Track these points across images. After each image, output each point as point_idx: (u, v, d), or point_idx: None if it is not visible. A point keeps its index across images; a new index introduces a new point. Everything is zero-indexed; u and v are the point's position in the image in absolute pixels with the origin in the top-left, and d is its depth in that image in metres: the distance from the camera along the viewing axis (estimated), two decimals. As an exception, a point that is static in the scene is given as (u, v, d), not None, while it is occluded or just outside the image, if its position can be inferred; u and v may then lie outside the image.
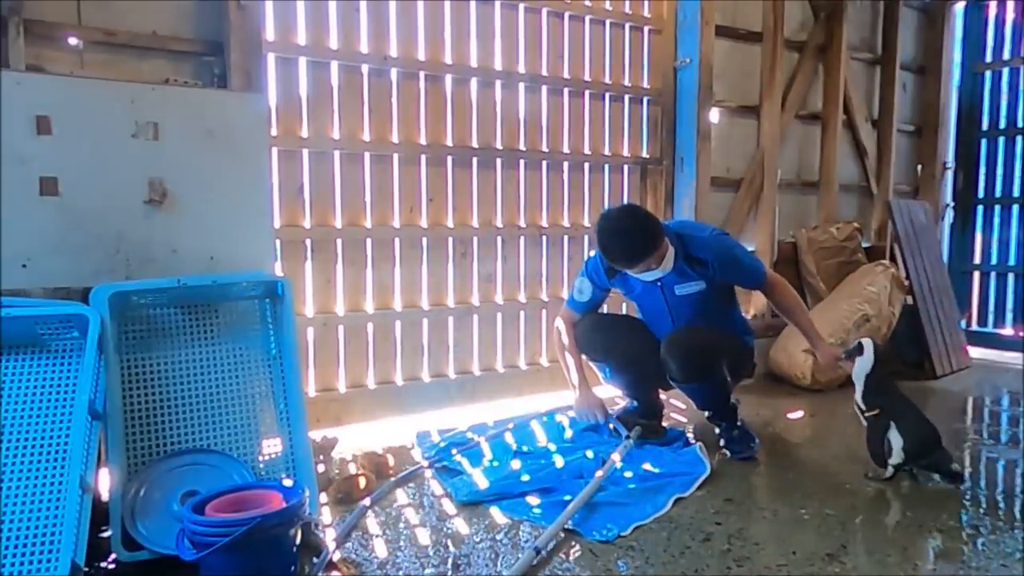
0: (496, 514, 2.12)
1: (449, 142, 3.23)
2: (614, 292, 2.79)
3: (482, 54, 3.28)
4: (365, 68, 3.00)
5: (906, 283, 4.03)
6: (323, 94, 2.91)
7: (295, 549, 1.71)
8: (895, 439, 2.31)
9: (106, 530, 1.79)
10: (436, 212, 3.23)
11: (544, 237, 3.57)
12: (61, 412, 1.77)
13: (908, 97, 4.89)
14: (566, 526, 1.97)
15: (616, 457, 2.43)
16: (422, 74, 3.14)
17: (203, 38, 2.55)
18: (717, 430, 2.70)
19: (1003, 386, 3.90)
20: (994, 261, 5.03)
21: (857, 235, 4.27)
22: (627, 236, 2.40)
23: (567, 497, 2.13)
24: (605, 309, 2.95)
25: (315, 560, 1.78)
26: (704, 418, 2.76)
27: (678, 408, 3.24)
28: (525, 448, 2.66)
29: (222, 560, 1.56)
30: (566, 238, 3.63)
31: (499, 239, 3.41)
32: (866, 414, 2.41)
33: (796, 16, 4.20)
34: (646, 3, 3.79)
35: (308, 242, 2.91)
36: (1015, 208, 4.93)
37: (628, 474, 2.38)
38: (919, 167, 5.00)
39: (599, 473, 2.29)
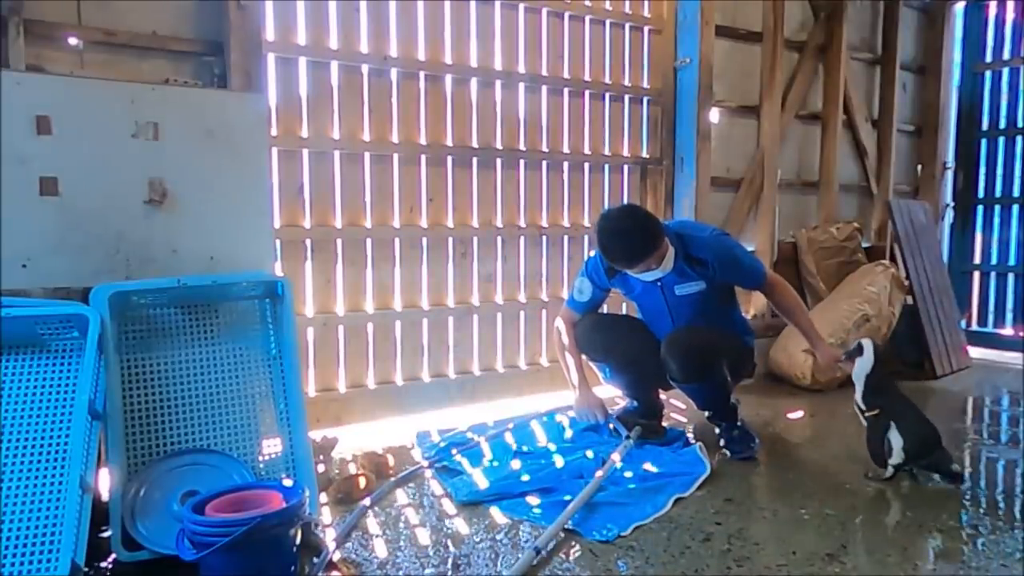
0: (496, 514, 2.12)
1: (449, 142, 3.23)
2: (614, 292, 2.79)
3: (482, 54, 3.28)
4: (365, 68, 3.00)
5: (906, 283, 4.03)
6: (323, 94, 2.91)
7: (295, 549, 1.71)
8: (895, 439, 2.31)
9: (106, 530, 1.79)
10: (436, 212, 3.23)
11: (544, 237, 3.57)
12: (61, 412, 1.77)
13: (908, 97, 4.90)
14: (566, 526, 1.97)
15: (616, 457, 2.44)
16: (422, 74, 3.14)
17: (203, 38, 2.55)
18: (717, 430, 2.70)
19: (1003, 386, 3.90)
20: (994, 261, 5.03)
21: (857, 235, 4.27)
22: (627, 236, 2.40)
23: (567, 497, 2.13)
24: (605, 309, 2.95)
25: (315, 560, 1.78)
26: (704, 418, 2.76)
27: (678, 408, 3.24)
28: (525, 448, 2.66)
29: (222, 560, 1.56)
30: (566, 238, 3.63)
31: (499, 239, 3.41)
32: (866, 414, 2.41)
33: (796, 16, 4.20)
34: (646, 3, 3.79)
35: (308, 242, 2.91)
36: (1015, 208, 4.93)
37: (628, 474, 2.38)
38: (919, 167, 5.00)
39: (599, 473, 2.29)
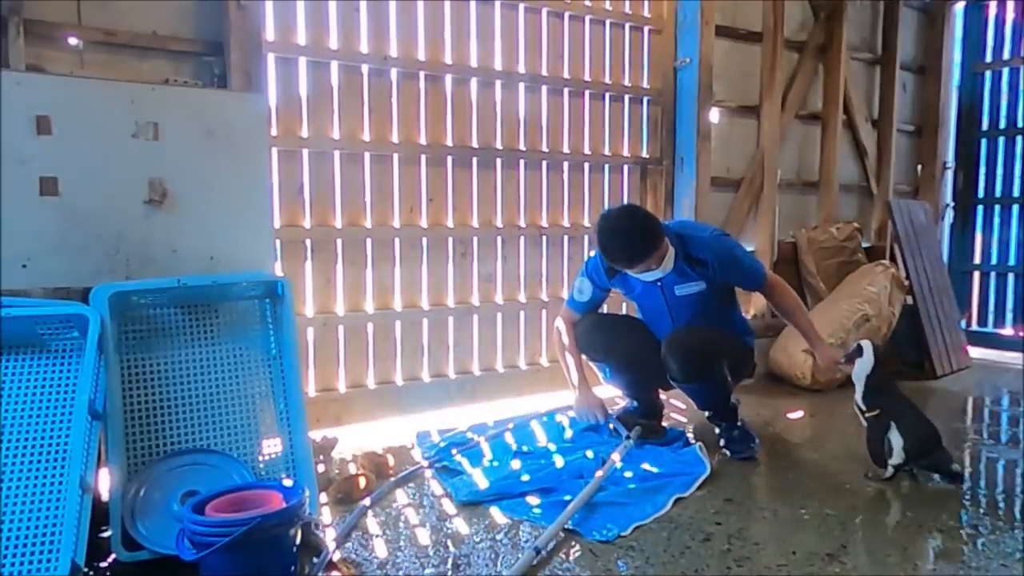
0: (496, 514, 2.12)
1: (449, 142, 3.23)
2: (614, 292, 2.79)
3: (482, 54, 3.28)
4: (365, 68, 3.00)
5: (906, 283, 4.03)
6: (323, 94, 2.91)
7: (295, 549, 1.71)
8: (895, 439, 2.31)
9: (106, 530, 1.79)
10: (436, 212, 3.23)
11: (544, 237, 3.57)
12: (61, 412, 1.77)
13: (908, 97, 4.89)
14: (566, 526, 1.97)
15: (616, 457, 2.44)
16: (422, 74, 3.14)
17: (203, 38, 2.55)
18: (717, 430, 2.70)
19: (1003, 386, 3.90)
20: (994, 261, 5.03)
21: (857, 235, 4.27)
22: (627, 236, 2.40)
23: (567, 497, 2.13)
24: (605, 309, 2.95)
25: (315, 560, 1.78)
26: (704, 418, 2.76)
27: (678, 408, 3.24)
28: (525, 448, 2.66)
29: (222, 560, 1.56)
30: (566, 238, 3.63)
31: (499, 239, 3.41)
32: (866, 415, 2.41)
33: (796, 16, 4.20)
34: (646, 3, 3.79)
35: (308, 242, 2.91)
36: (1015, 208, 4.93)
37: (628, 474, 2.38)
38: (919, 167, 5.00)
39: (599, 473, 2.29)
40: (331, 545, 1.86)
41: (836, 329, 3.62)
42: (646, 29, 3.79)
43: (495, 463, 2.51)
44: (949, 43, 4.94)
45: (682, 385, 2.61)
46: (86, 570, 1.64)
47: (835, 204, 4.36)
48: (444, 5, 3.17)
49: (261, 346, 2.17)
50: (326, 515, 2.09)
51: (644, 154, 3.86)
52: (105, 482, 1.84)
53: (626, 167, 3.82)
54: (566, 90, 3.54)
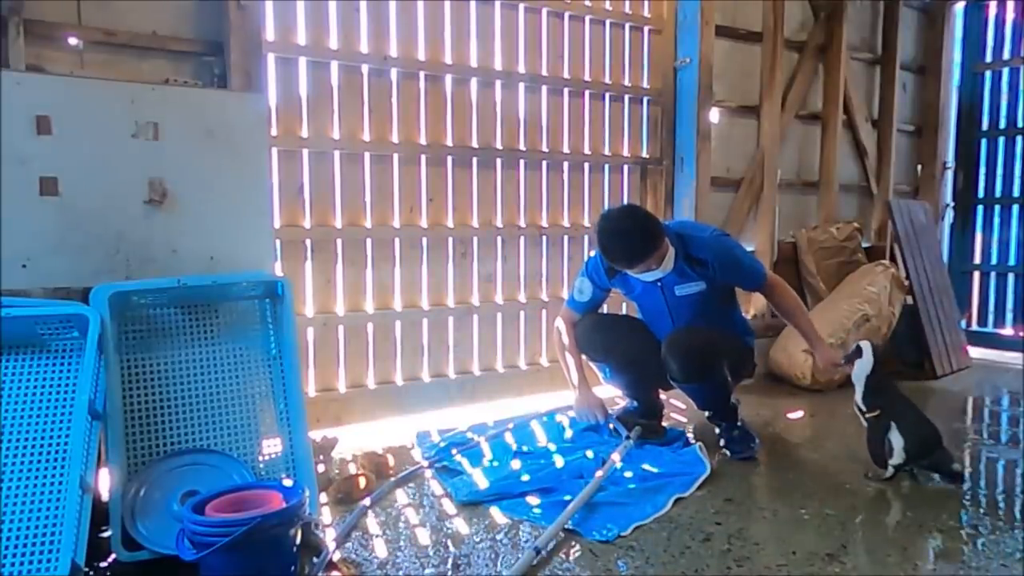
0: (496, 514, 2.12)
1: (449, 142, 3.23)
2: (614, 292, 2.79)
3: (482, 54, 3.28)
4: (365, 68, 3.00)
5: (906, 283, 4.03)
6: (323, 94, 2.91)
7: (295, 549, 1.71)
8: (896, 439, 2.31)
9: (106, 530, 1.79)
10: (436, 212, 3.23)
11: (544, 237, 3.57)
12: (61, 412, 1.77)
13: (908, 97, 4.89)
14: (566, 526, 1.97)
15: (616, 457, 2.44)
16: (422, 74, 3.14)
17: (203, 38, 2.55)
18: (717, 430, 2.70)
19: (1003, 386, 3.90)
20: (994, 261, 5.03)
21: (857, 235, 4.27)
22: (627, 236, 2.40)
23: (567, 497, 2.13)
24: (605, 309, 2.95)
25: (315, 560, 1.78)
26: (704, 418, 2.76)
27: (678, 408, 3.24)
28: (525, 448, 2.66)
29: (222, 560, 1.56)
30: (566, 238, 3.63)
31: (499, 239, 3.41)
32: (866, 415, 2.41)
33: (796, 16, 4.20)
34: (646, 3, 3.79)
35: (308, 242, 2.91)
36: (1015, 208, 4.93)
37: (628, 474, 2.38)
38: (919, 167, 5.00)
39: (599, 473, 2.29)
40: (331, 545, 1.86)
41: (836, 329, 3.62)
42: (646, 29, 3.79)
43: (495, 463, 2.51)
44: (949, 43, 4.94)
45: (682, 385, 2.61)
46: (86, 570, 1.64)
47: (835, 204, 4.36)
48: (444, 5, 3.17)
49: (261, 346, 2.17)
50: (326, 515, 2.09)
51: (644, 154, 3.86)
52: (105, 482, 1.84)
53: (626, 167, 3.82)
54: (566, 90, 3.54)
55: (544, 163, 3.53)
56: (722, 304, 2.70)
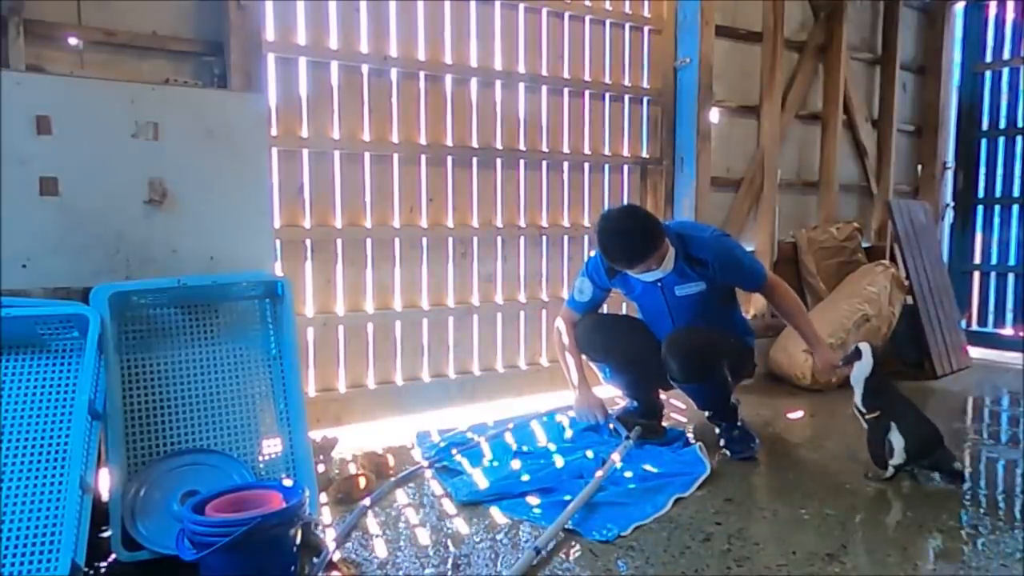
0: (496, 514, 2.12)
1: (449, 142, 3.23)
2: (614, 292, 2.79)
3: (482, 54, 3.28)
4: (365, 68, 3.00)
5: (906, 283, 4.03)
6: (323, 94, 2.91)
7: (295, 549, 1.71)
8: (896, 440, 2.31)
9: (106, 530, 1.79)
10: (436, 212, 3.23)
11: (544, 237, 3.57)
12: (61, 412, 1.77)
13: (908, 97, 4.89)
14: (566, 526, 1.97)
15: (616, 457, 2.43)
16: (422, 74, 3.14)
17: (203, 38, 2.55)
18: (717, 430, 2.70)
19: (1003, 386, 3.90)
20: (994, 261, 5.03)
21: (857, 235, 4.27)
22: (627, 236, 2.40)
23: (567, 497, 2.13)
24: (605, 309, 2.95)
25: (315, 560, 1.78)
26: (704, 418, 2.76)
27: (678, 408, 3.24)
28: (525, 448, 2.66)
29: (222, 560, 1.56)
30: (566, 238, 3.63)
31: (499, 239, 3.41)
32: (866, 416, 2.40)
33: (796, 16, 4.20)
34: (646, 3, 3.79)
35: (308, 242, 2.91)
36: (1015, 208, 4.93)
37: (628, 474, 2.38)
38: (919, 167, 5.00)
39: (599, 473, 2.29)
40: (331, 545, 1.86)
41: (836, 329, 3.62)
42: (646, 29, 3.79)
43: (495, 463, 2.51)
44: (949, 43, 4.94)
45: (682, 385, 2.61)
46: (86, 570, 1.63)
47: (835, 204, 4.36)
48: (444, 5, 3.17)
49: (261, 346, 2.17)
50: (326, 515, 2.09)
51: (644, 154, 3.86)
52: (105, 482, 1.84)
53: (626, 167, 3.82)
54: (566, 90, 3.54)
55: (544, 163, 3.53)
56: (722, 304, 2.70)
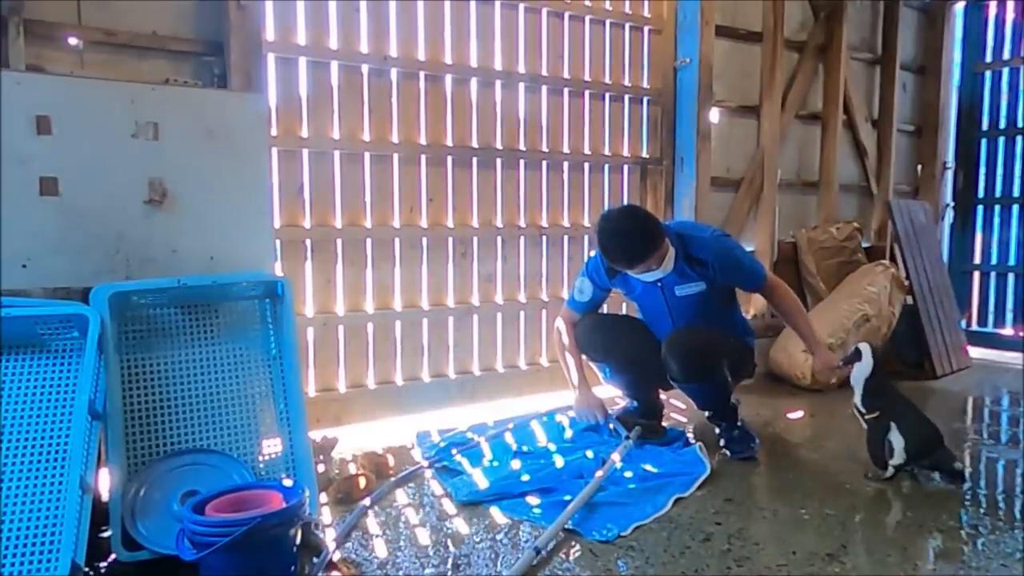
0: (496, 514, 2.12)
1: (449, 142, 3.23)
2: (614, 292, 2.79)
3: (482, 54, 3.28)
4: (365, 68, 3.00)
5: (906, 283, 4.03)
6: (323, 94, 2.91)
7: (295, 549, 1.71)
8: (896, 440, 2.31)
9: (106, 530, 1.79)
10: (436, 212, 3.23)
11: (544, 237, 3.57)
12: (61, 412, 1.77)
13: (908, 97, 4.90)
14: (566, 526, 1.97)
15: (616, 457, 2.44)
16: (422, 74, 3.14)
17: (203, 38, 2.55)
18: (717, 430, 2.70)
19: (1003, 386, 3.90)
20: (994, 261, 5.03)
21: (857, 235, 4.27)
22: (627, 236, 2.40)
23: (567, 497, 2.13)
24: (605, 309, 2.95)
25: (315, 560, 1.78)
26: (704, 418, 2.76)
27: (678, 408, 3.24)
28: (525, 448, 2.66)
29: (222, 560, 1.56)
30: (566, 238, 3.63)
31: (499, 239, 3.41)
32: (866, 417, 2.40)
33: (796, 16, 4.20)
34: (646, 3, 3.79)
35: (308, 242, 2.91)
36: (1015, 208, 4.93)
37: (628, 474, 2.38)
38: (919, 167, 5.00)
39: (599, 473, 2.29)
40: (331, 545, 1.86)
41: (836, 329, 3.62)
42: (646, 29, 3.79)
43: (495, 463, 2.51)
44: (949, 43, 4.94)
45: (682, 385, 2.61)
46: (86, 570, 1.64)
47: (835, 204, 4.36)
48: (444, 5, 3.17)
49: (261, 346, 2.17)
50: (326, 515, 2.09)
51: (644, 154, 3.86)
52: (105, 482, 1.84)
53: (626, 167, 3.82)
54: (566, 90, 3.54)
55: (544, 163, 3.53)
56: (722, 304, 2.70)
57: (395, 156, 3.10)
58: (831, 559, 1.84)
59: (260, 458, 2.06)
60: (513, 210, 3.45)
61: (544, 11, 3.45)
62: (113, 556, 1.76)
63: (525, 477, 2.34)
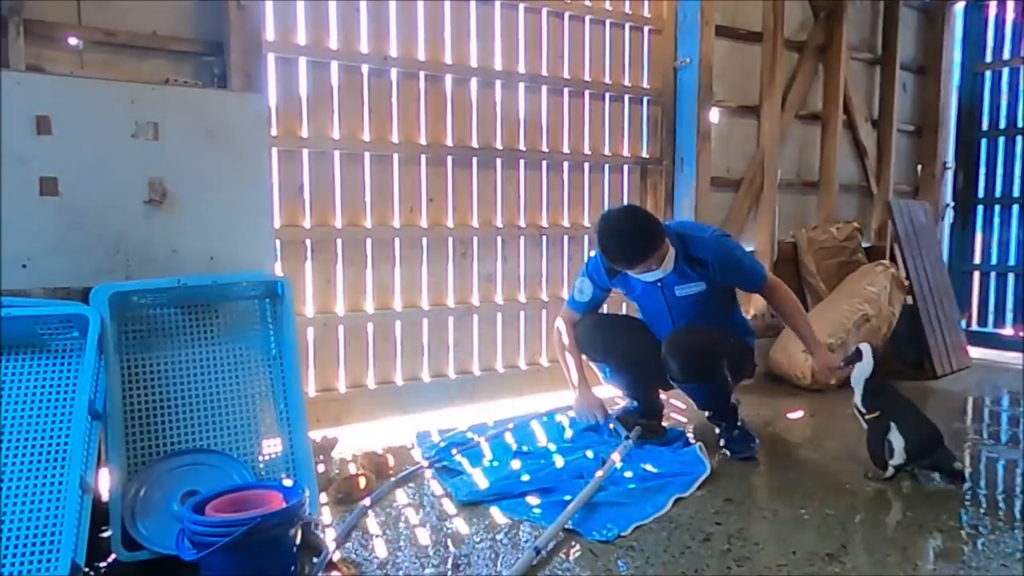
0: (496, 514, 2.12)
1: (449, 142, 3.23)
2: (614, 292, 2.79)
3: (482, 54, 3.28)
4: (365, 68, 3.00)
5: (906, 283, 4.03)
6: (323, 94, 2.91)
7: (295, 549, 1.71)
8: (896, 440, 2.31)
9: (106, 530, 1.79)
10: (436, 212, 3.23)
11: (544, 237, 3.57)
12: (61, 412, 1.77)
13: (908, 97, 4.90)
14: (566, 526, 1.97)
15: (616, 457, 2.44)
16: (422, 74, 3.14)
17: (203, 38, 2.55)
18: (717, 430, 2.70)
19: (1003, 386, 3.90)
20: (994, 261, 5.03)
21: (857, 235, 4.27)
22: (627, 236, 2.40)
23: (567, 497, 2.13)
24: (605, 309, 2.95)
25: (315, 560, 1.78)
26: (704, 418, 2.76)
27: (678, 408, 3.24)
28: (525, 448, 2.66)
29: (222, 560, 1.56)
30: (566, 238, 3.63)
31: (499, 239, 3.41)
32: (866, 417, 2.40)
33: (796, 16, 4.20)
34: (646, 3, 3.79)
35: (308, 242, 2.91)
36: (1015, 208, 4.93)
37: (628, 474, 2.38)
38: (919, 167, 5.00)
39: (599, 473, 2.29)
40: (331, 545, 1.86)
41: (836, 329, 3.62)
42: (646, 29, 3.79)
43: (495, 463, 2.51)
44: (949, 43, 4.94)
45: (682, 385, 2.61)
46: (86, 570, 1.64)
47: (835, 204, 4.36)
48: (444, 5, 3.17)
49: (261, 346, 2.17)
50: (326, 515, 2.09)
51: (644, 154, 3.86)
52: (105, 482, 1.84)
53: (626, 167, 3.82)
54: (566, 90, 3.54)
55: (544, 163, 3.53)
56: (722, 304, 2.70)
57: (395, 156, 3.10)
58: (831, 559, 1.84)
59: (260, 458, 2.06)
60: (513, 210, 3.45)
61: (544, 11, 3.45)
62: (113, 556, 1.76)
63: (525, 477, 2.34)
